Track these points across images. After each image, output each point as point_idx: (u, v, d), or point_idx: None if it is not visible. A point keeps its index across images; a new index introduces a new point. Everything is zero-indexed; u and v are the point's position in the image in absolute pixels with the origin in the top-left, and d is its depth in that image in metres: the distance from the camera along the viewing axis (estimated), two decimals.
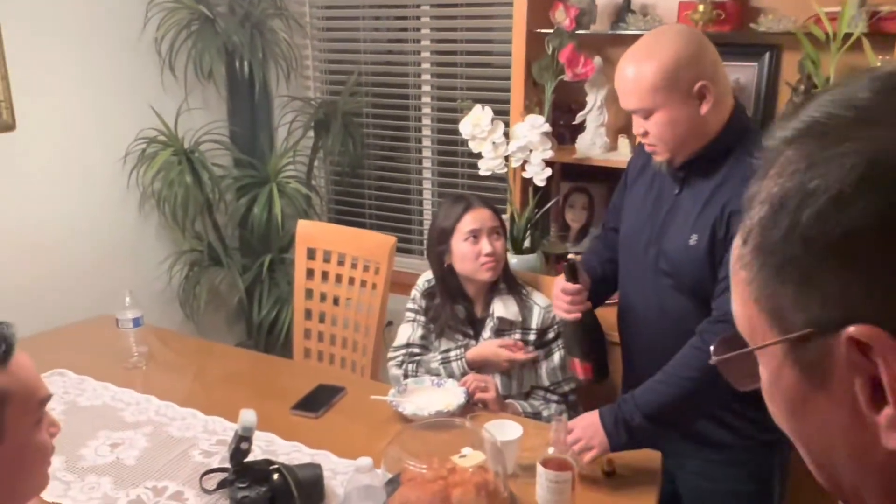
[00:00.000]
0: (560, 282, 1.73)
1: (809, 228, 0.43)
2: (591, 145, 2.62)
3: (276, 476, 1.45)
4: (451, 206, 2.00)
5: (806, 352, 0.45)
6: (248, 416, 1.45)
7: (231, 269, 3.15)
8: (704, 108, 1.55)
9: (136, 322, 2.11)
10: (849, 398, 0.44)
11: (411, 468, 1.47)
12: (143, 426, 1.81)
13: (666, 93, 1.54)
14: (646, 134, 1.63)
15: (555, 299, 1.76)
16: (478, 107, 2.40)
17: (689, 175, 1.66)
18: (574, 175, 2.80)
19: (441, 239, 2.00)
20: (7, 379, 1.00)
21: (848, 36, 1.98)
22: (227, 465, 1.59)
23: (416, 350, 2.04)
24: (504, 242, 1.99)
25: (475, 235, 1.94)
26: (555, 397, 1.96)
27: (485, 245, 1.93)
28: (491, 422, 1.64)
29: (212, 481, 1.57)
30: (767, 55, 2.45)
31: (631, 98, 1.60)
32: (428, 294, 2.07)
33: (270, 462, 1.49)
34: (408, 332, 2.08)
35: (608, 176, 2.75)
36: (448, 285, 2.02)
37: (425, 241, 2.19)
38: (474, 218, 1.95)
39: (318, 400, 1.92)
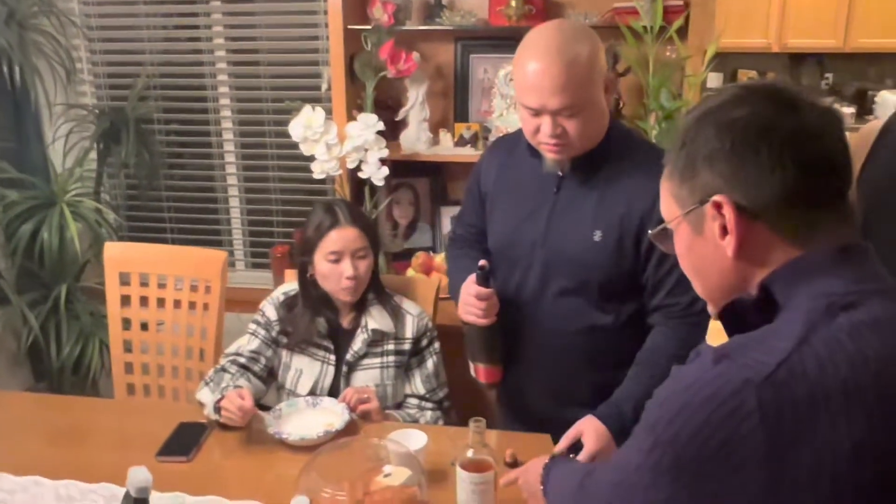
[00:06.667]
0: (471, 287, 1.63)
1: (694, 153, 0.87)
2: (416, 141, 2.62)
3: None
4: (320, 216, 1.86)
5: (693, 217, 0.88)
6: (139, 474, 1.26)
7: (16, 307, 2.73)
8: (609, 99, 1.55)
9: None
10: (712, 237, 0.86)
11: (326, 496, 1.38)
12: None
13: (594, 87, 1.49)
14: (561, 133, 1.50)
15: (465, 305, 1.66)
16: (308, 107, 2.30)
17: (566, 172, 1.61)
18: (397, 172, 2.78)
19: (305, 250, 1.88)
20: None
21: (662, 29, 2.18)
22: None
23: (243, 360, 1.90)
24: (370, 261, 1.87)
25: (337, 258, 1.85)
26: (430, 405, 1.92)
27: (346, 268, 1.83)
28: (394, 433, 1.58)
29: None
30: None
31: (559, 96, 1.45)
32: (285, 305, 1.94)
33: None
34: (242, 343, 1.94)
35: (431, 170, 2.79)
36: (310, 295, 1.91)
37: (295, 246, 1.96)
38: (338, 238, 1.83)
39: (183, 441, 1.71)
